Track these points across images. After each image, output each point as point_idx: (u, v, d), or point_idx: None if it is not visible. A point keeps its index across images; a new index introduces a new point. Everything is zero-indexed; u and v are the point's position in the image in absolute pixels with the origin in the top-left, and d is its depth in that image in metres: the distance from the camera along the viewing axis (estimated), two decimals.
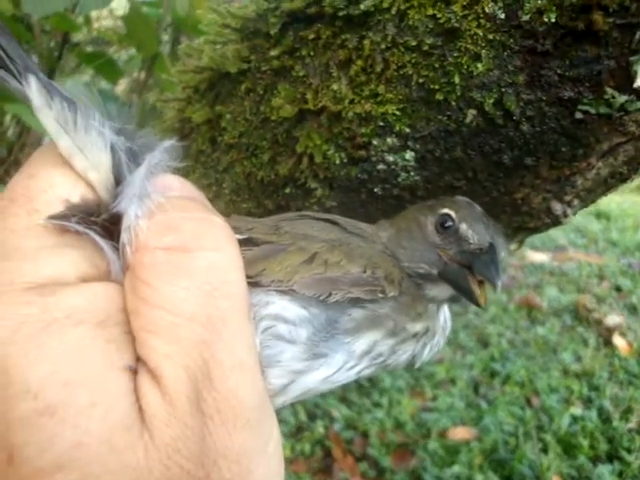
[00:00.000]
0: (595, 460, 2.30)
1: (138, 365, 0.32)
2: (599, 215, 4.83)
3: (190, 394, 0.31)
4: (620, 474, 2.24)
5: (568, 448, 2.40)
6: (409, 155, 0.48)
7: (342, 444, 2.45)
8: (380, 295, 0.41)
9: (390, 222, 0.49)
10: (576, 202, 0.51)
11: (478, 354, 2.96)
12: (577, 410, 2.57)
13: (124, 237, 0.34)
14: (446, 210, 0.47)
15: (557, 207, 0.50)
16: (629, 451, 2.30)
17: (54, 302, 0.31)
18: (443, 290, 0.47)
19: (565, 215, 0.51)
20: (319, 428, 2.46)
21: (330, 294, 0.39)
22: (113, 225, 0.35)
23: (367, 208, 0.51)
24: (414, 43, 0.44)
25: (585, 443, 2.38)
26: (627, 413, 2.53)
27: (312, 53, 0.50)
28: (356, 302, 0.41)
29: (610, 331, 3.09)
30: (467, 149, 0.46)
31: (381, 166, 0.49)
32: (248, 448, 0.32)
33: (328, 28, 0.48)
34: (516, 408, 2.58)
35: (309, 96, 0.50)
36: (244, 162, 0.55)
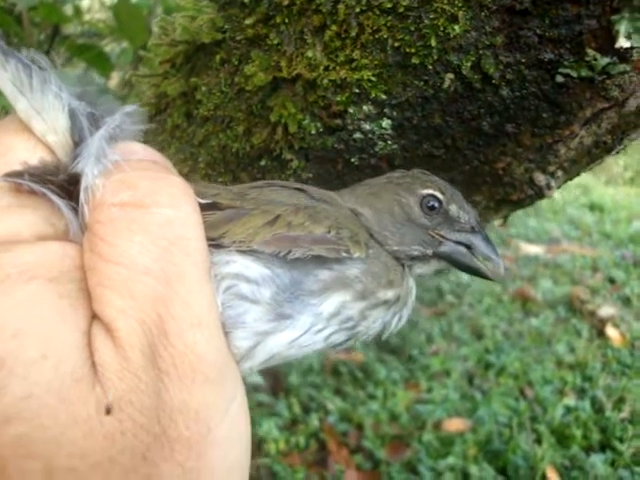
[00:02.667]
0: (588, 450, 2.32)
1: (94, 322, 0.32)
2: (593, 207, 4.84)
3: (144, 348, 0.31)
4: (612, 463, 2.25)
5: (561, 438, 2.41)
6: (386, 123, 0.46)
7: (337, 436, 2.45)
8: (344, 254, 0.40)
9: (356, 196, 0.47)
10: (560, 173, 0.50)
11: (472, 346, 2.96)
12: (570, 401, 2.58)
13: (82, 197, 0.34)
14: (430, 191, 0.46)
15: (540, 178, 0.49)
16: (621, 440, 2.31)
17: (7, 258, 0.31)
18: (431, 266, 0.48)
19: (549, 187, 0.50)
20: (314, 421, 2.46)
21: (290, 251, 0.38)
22: (72, 186, 0.34)
23: (344, 179, 0.50)
24: (389, 5, 0.43)
25: (578, 433, 2.39)
26: (620, 403, 2.54)
27: (287, 20, 0.48)
28: (323, 263, 0.40)
29: (603, 322, 3.10)
30: (445, 116, 0.45)
31: (358, 135, 0.47)
32: (207, 405, 0.32)
33: None
34: (510, 399, 2.59)
35: (283, 64, 0.48)
36: (219, 135, 0.53)
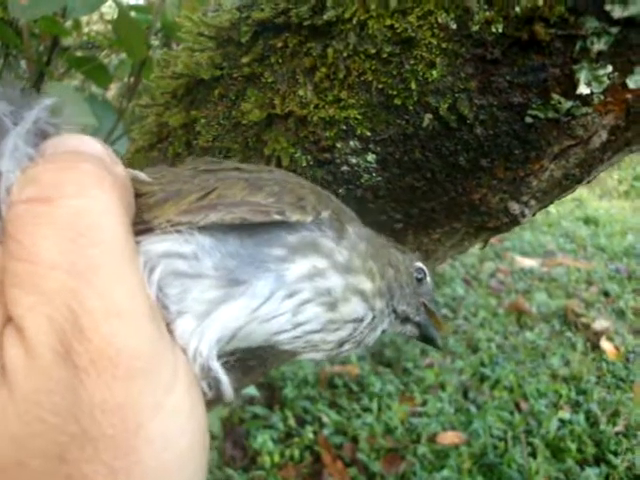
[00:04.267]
0: (583, 463, 2.33)
1: (7, 324, 0.31)
2: (587, 221, 4.89)
3: (55, 345, 0.29)
4: (607, 477, 2.26)
5: (556, 452, 2.42)
6: (371, 157, 0.50)
7: (332, 449, 2.45)
8: (277, 217, 0.36)
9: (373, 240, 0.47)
10: (533, 202, 0.54)
11: (467, 359, 2.98)
12: (565, 414, 2.59)
13: (1, 196, 0.33)
14: (420, 264, 0.51)
15: (515, 207, 0.53)
16: (616, 454, 2.33)
17: None
18: (405, 330, 0.51)
19: (523, 215, 0.54)
20: (308, 433, 2.46)
21: (207, 215, 0.35)
22: None
23: None
24: (374, 51, 0.47)
25: (573, 447, 2.40)
26: (614, 416, 2.56)
27: (280, 60, 0.53)
28: (290, 229, 0.38)
29: (598, 336, 3.12)
30: (425, 151, 0.49)
31: (345, 168, 0.51)
32: (133, 400, 0.30)
33: (295, 37, 0.51)
34: (505, 412, 2.60)
35: (277, 101, 0.52)
36: None
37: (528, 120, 0.46)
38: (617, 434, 2.44)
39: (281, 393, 2.67)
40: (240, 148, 0.56)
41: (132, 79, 1.61)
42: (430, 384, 2.78)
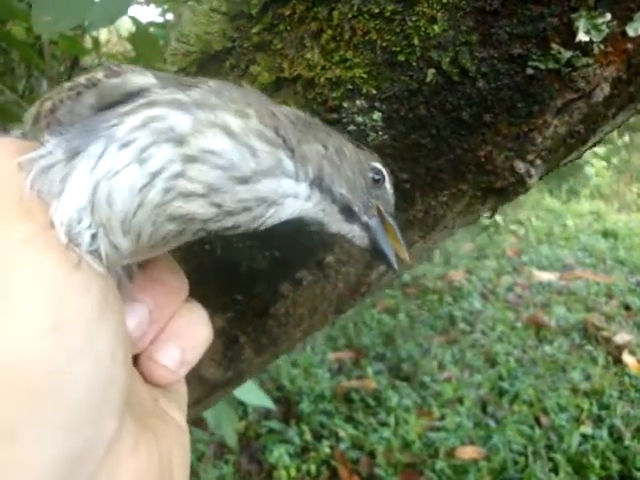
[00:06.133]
0: None
1: None
2: (606, 234, 4.82)
3: None
4: None
5: (579, 468, 2.35)
6: (377, 115, 0.51)
7: (348, 464, 2.42)
8: (100, 74, 0.38)
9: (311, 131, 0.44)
10: (539, 162, 0.54)
11: (486, 373, 2.93)
12: (587, 429, 2.52)
13: None
14: (378, 165, 0.48)
15: (520, 166, 0.53)
16: None
17: None
18: (351, 232, 0.46)
19: (529, 175, 0.54)
20: (325, 448, 2.43)
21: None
22: None
23: None
24: (377, 10, 0.49)
25: (596, 463, 2.33)
26: (639, 432, 2.48)
27: (289, 27, 0.55)
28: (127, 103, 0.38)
29: (620, 349, 3.05)
30: (429, 107, 0.50)
31: (352, 127, 0.52)
32: None
33: (302, 3, 0.53)
34: (525, 427, 2.54)
35: (285, 65, 0.54)
36: None
37: (529, 71, 0.47)
38: None
39: (297, 407, 2.65)
40: None
41: None
42: (448, 398, 2.74)
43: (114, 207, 0.36)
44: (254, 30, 0.57)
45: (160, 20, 2.27)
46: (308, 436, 2.49)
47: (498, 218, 4.97)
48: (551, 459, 2.37)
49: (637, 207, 5.74)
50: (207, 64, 0.63)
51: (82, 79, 0.39)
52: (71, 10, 1.09)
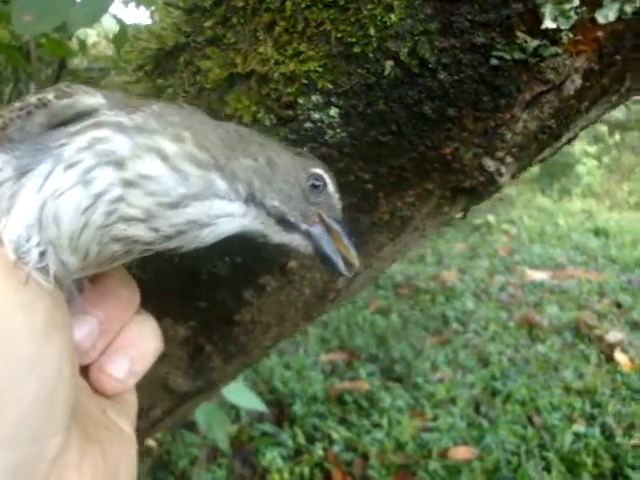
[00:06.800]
0: (599, 478, 2.24)
1: None
2: (597, 232, 4.82)
3: None
4: None
5: (571, 466, 2.34)
6: (333, 111, 0.48)
7: (342, 466, 2.39)
8: (50, 95, 0.39)
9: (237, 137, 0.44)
10: (509, 159, 0.51)
11: (478, 373, 2.91)
12: (580, 427, 2.50)
13: None
14: (318, 170, 0.46)
15: (489, 164, 0.50)
16: (633, 468, 2.23)
17: None
18: (293, 240, 0.46)
19: (499, 173, 0.51)
20: (318, 450, 2.41)
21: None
22: None
23: None
24: None
25: (589, 461, 2.31)
26: (630, 429, 2.47)
27: (242, 20, 0.52)
28: (76, 123, 0.39)
29: (612, 347, 3.03)
30: (388, 102, 0.47)
31: (308, 124, 0.49)
32: None
33: None
34: (518, 427, 2.52)
35: (238, 60, 0.51)
36: None
37: (493, 62, 0.44)
38: (634, 447, 2.35)
39: (290, 410, 2.63)
40: (205, 113, 0.54)
41: None
42: (441, 399, 2.71)
43: (62, 226, 0.37)
44: (207, 24, 0.53)
45: (149, 22, 2.24)
46: (301, 439, 2.46)
47: (490, 218, 4.96)
48: (544, 458, 2.35)
49: (628, 205, 5.75)
50: (163, 61, 0.59)
51: (33, 99, 0.39)
52: (52, 10, 1.07)
